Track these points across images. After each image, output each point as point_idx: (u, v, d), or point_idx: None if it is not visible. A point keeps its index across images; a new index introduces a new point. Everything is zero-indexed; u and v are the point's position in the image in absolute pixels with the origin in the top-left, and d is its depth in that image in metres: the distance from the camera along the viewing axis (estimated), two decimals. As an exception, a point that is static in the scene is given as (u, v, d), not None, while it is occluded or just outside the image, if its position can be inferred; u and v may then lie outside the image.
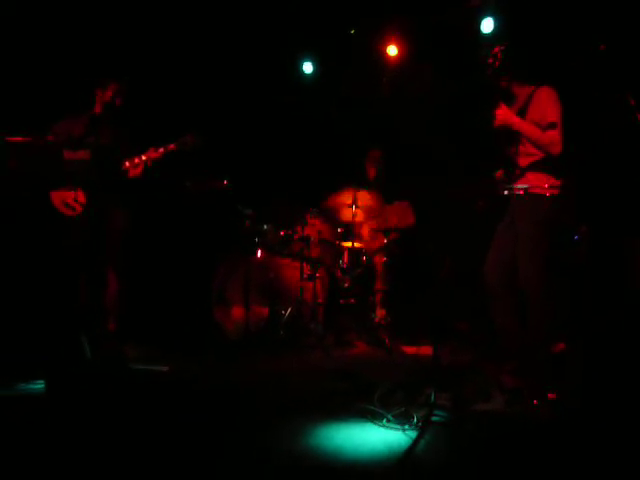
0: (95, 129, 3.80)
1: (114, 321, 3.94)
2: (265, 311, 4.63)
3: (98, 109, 3.95)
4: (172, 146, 3.89)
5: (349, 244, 4.81)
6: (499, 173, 3.44)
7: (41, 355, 3.31)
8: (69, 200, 3.73)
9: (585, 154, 4.14)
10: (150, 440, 2.38)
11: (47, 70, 4.50)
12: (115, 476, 2.04)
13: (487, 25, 5.10)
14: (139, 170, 3.90)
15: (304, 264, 4.66)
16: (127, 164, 3.85)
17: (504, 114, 3.15)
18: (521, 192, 3.21)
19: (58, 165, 3.40)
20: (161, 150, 3.87)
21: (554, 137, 3.09)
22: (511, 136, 3.27)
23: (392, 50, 5.59)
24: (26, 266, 4.22)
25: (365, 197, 4.75)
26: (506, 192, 3.28)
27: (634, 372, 3.10)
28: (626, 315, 3.64)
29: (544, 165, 3.18)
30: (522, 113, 3.19)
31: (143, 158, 3.85)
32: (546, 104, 3.14)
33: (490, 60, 3.22)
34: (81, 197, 3.71)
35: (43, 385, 3.01)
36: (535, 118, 3.13)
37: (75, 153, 3.72)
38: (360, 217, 4.86)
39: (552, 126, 3.08)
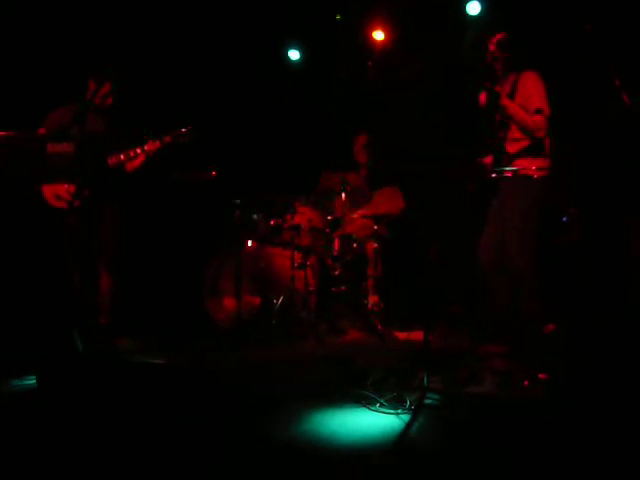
0: (81, 119, 3.76)
1: (106, 315, 3.93)
2: (257, 300, 4.64)
3: (89, 97, 3.89)
4: (167, 138, 3.86)
5: (339, 232, 4.81)
6: (487, 159, 3.48)
7: (32, 351, 3.30)
8: (61, 193, 3.69)
9: (576, 137, 4.16)
10: (144, 431, 2.38)
11: (37, 60, 4.45)
12: (110, 470, 2.04)
13: (473, 8, 5.07)
14: (137, 162, 3.88)
15: (295, 252, 4.65)
16: (122, 157, 3.81)
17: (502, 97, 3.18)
18: (509, 174, 3.26)
19: (41, 159, 3.36)
20: (157, 142, 3.84)
21: (540, 122, 3.20)
22: (500, 121, 3.30)
23: (378, 35, 5.55)
24: (17, 261, 4.20)
25: (353, 179, 4.75)
26: (495, 175, 3.32)
27: (625, 352, 3.15)
28: (618, 296, 3.68)
29: (531, 149, 3.26)
30: (510, 98, 3.23)
31: (138, 151, 3.82)
32: (532, 90, 3.23)
33: (492, 48, 3.25)
34: (73, 190, 3.67)
35: (35, 381, 3.00)
36: (522, 103, 3.18)
37: (58, 146, 3.67)
38: (349, 202, 4.86)
39: (538, 111, 3.19)
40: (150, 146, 3.83)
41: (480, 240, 3.49)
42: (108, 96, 3.92)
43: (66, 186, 3.68)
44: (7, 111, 3.93)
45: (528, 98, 3.21)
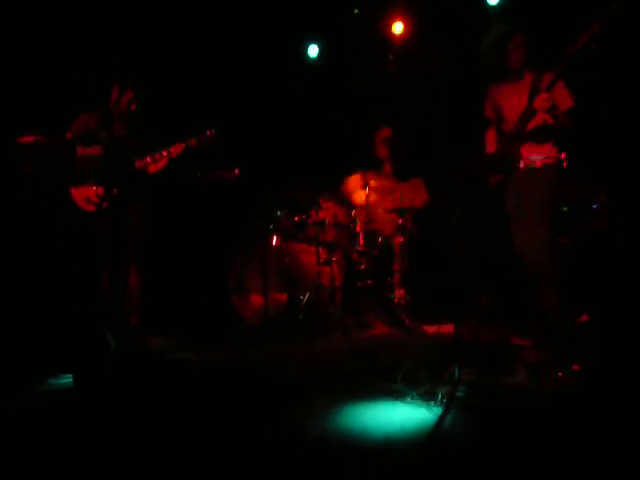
0: (108, 124, 3.82)
1: (136, 314, 3.99)
2: (283, 297, 4.66)
3: (112, 103, 3.95)
4: (192, 141, 3.90)
5: (364, 227, 4.79)
6: (492, 149, 3.51)
7: (68, 350, 3.37)
8: (91, 195, 3.75)
9: (605, 126, 4.10)
10: (179, 426, 2.41)
11: (61, 66, 4.53)
12: (144, 463, 2.08)
13: (493, -3, 5.02)
14: (160, 165, 3.93)
15: (320, 248, 4.65)
16: (148, 159, 3.87)
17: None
18: (536, 163, 3.25)
19: (70, 163, 3.42)
20: (182, 145, 3.89)
21: (571, 121, 3.22)
22: (525, 113, 3.28)
23: (398, 28, 5.52)
24: (50, 263, 4.28)
25: (376, 178, 4.74)
26: (520, 163, 3.29)
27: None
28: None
29: (554, 139, 3.25)
30: (531, 98, 3.21)
31: (164, 154, 3.87)
32: (566, 90, 3.24)
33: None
34: (102, 192, 3.73)
35: (71, 379, 3.07)
36: (559, 103, 3.18)
37: (87, 149, 3.74)
38: (373, 198, 4.85)
39: (571, 110, 3.23)
40: (175, 149, 3.88)
41: (515, 241, 3.44)
42: (132, 102, 3.97)
43: (94, 189, 3.74)
44: (33, 116, 4.02)
45: (564, 98, 3.23)
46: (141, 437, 2.31)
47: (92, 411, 2.66)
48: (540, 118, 3.25)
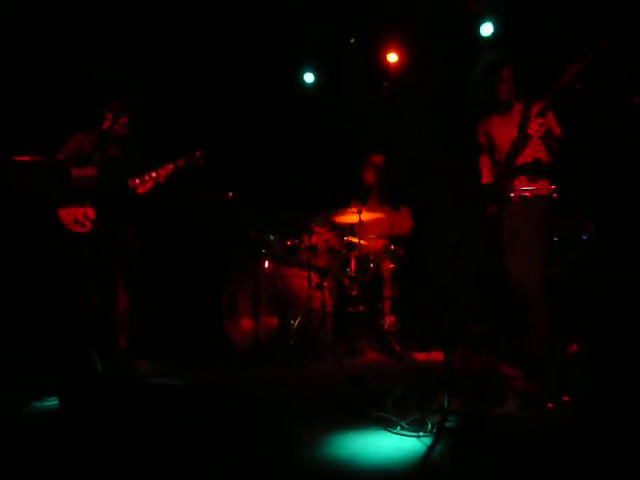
0: (103, 145, 3.83)
1: (125, 336, 3.95)
2: (274, 321, 4.63)
3: (107, 125, 3.97)
4: (181, 162, 3.92)
5: (356, 253, 4.80)
6: (487, 179, 3.56)
7: (53, 373, 3.33)
8: (79, 216, 3.74)
9: (593, 156, 4.17)
10: (164, 452, 2.38)
11: (55, 86, 4.56)
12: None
13: (486, 29, 5.13)
14: (148, 186, 3.93)
15: (312, 273, 4.65)
16: (137, 181, 3.87)
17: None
18: (525, 194, 3.30)
19: (66, 182, 3.42)
20: (170, 167, 3.90)
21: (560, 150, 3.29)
22: (517, 143, 3.34)
23: (392, 57, 5.61)
24: (37, 284, 4.25)
25: (369, 211, 4.77)
26: (512, 195, 3.34)
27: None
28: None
29: (544, 169, 3.31)
30: (523, 127, 3.27)
31: (153, 175, 3.87)
32: (555, 120, 3.29)
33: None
34: (90, 213, 3.73)
35: (56, 402, 3.03)
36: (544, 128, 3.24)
37: (83, 169, 3.74)
38: (364, 225, 4.87)
39: (560, 140, 3.29)
40: (163, 170, 3.89)
41: (510, 272, 3.47)
42: (125, 125, 3.99)
43: (82, 209, 3.73)
44: (28, 135, 4.03)
45: (553, 128, 3.28)
46: (123, 460, 2.27)
47: (77, 434, 2.62)
48: (530, 154, 3.32)
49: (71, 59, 4.65)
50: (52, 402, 3.10)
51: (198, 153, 3.95)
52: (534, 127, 3.15)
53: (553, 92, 3.09)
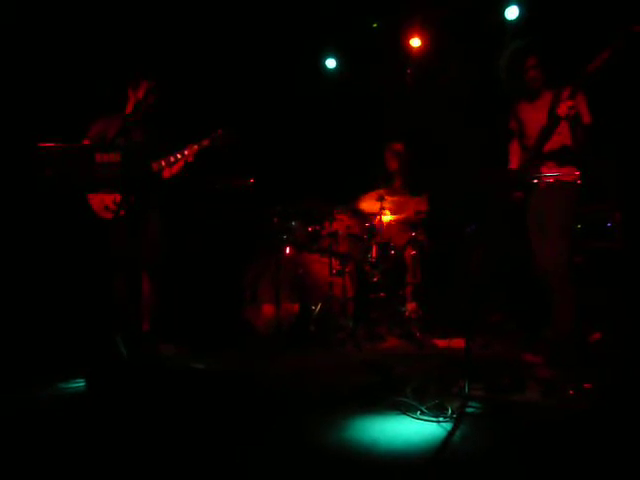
0: (126, 130, 3.86)
1: (149, 321, 4.01)
2: (295, 307, 4.66)
3: (130, 109, 4.00)
4: (206, 142, 3.92)
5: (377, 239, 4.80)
6: (514, 165, 3.53)
7: (80, 355, 3.41)
8: (109, 203, 3.79)
9: (620, 144, 4.10)
10: (188, 434, 2.42)
11: (78, 72, 4.60)
12: (156, 472, 2.09)
13: (512, 12, 5.04)
14: (175, 169, 3.95)
15: (333, 259, 4.66)
16: (163, 163, 3.89)
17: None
18: (551, 180, 3.27)
19: (90, 169, 3.46)
20: (195, 147, 3.90)
21: (587, 137, 3.26)
22: (545, 128, 3.30)
23: (415, 42, 5.55)
24: (64, 269, 4.33)
25: (389, 193, 4.75)
26: (536, 181, 3.31)
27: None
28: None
29: (571, 156, 3.29)
30: (552, 112, 3.23)
31: (179, 156, 3.89)
32: (586, 107, 3.27)
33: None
34: (120, 200, 3.76)
35: (83, 383, 3.10)
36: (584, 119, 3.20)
37: (106, 156, 3.78)
38: (387, 211, 4.86)
39: (588, 127, 3.27)
40: (189, 151, 3.90)
41: (536, 254, 3.45)
42: (149, 107, 4.00)
43: (113, 197, 3.78)
44: (52, 121, 4.08)
45: (583, 115, 3.25)
46: (149, 444, 2.32)
47: (102, 416, 2.68)
48: (558, 140, 3.28)
49: (93, 44, 4.68)
50: (77, 384, 3.17)
51: (220, 131, 3.95)
52: (563, 109, 3.11)
53: (584, 77, 3.04)
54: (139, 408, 2.71)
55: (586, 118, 3.25)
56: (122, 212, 3.57)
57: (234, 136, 3.96)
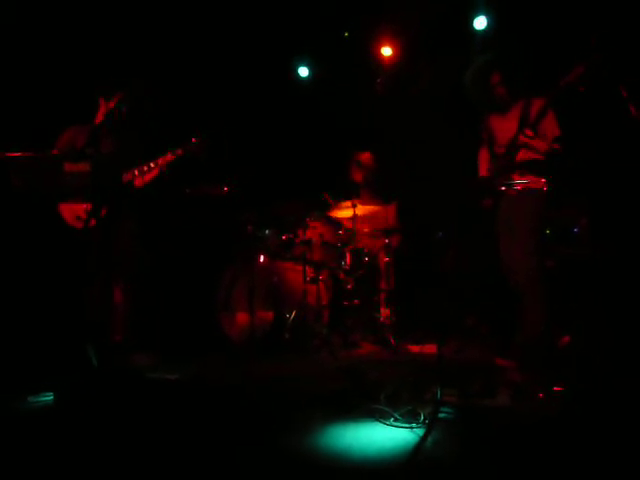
0: (96, 140, 3.83)
1: (121, 331, 3.96)
2: (270, 315, 4.65)
3: (100, 119, 3.97)
4: (180, 151, 3.91)
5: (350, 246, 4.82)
6: (484, 172, 3.59)
7: (49, 367, 3.34)
8: (80, 212, 3.75)
9: (585, 151, 4.20)
10: (158, 445, 2.40)
11: (49, 81, 4.54)
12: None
13: (480, 23, 5.13)
14: (148, 178, 3.92)
15: (307, 267, 4.67)
16: (136, 172, 3.86)
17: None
18: (519, 187, 3.33)
19: (59, 179, 3.42)
20: (169, 156, 3.89)
21: (559, 149, 3.37)
22: (517, 137, 3.38)
23: (386, 51, 5.61)
24: (33, 279, 4.25)
25: (363, 205, 4.79)
26: (503, 187, 3.38)
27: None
28: (631, 306, 3.66)
29: (538, 164, 3.36)
30: (524, 122, 3.30)
31: (152, 165, 3.87)
32: (554, 120, 3.38)
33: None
34: (90, 207, 3.71)
35: (52, 397, 3.04)
36: (548, 131, 3.27)
37: (75, 165, 3.74)
38: (359, 219, 4.89)
39: (558, 140, 3.38)
40: (163, 160, 3.88)
41: (502, 260, 3.52)
42: (121, 117, 3.97)
43: (85, 206, 3.74)
44: (20, 131, 4.02)
45: (553, 127, 3.36)
46: (118, 455, 2.29)
47: (72, 430, 2.63)
48: (527, 152, 3.37)
49: (64, 52, 4.63)
50: (47, 397, 3.11)
51: (194, 139, 3.94)
52: (528, 134, 3.21)
53: (556, 91, 3.12)
54: (109, 421, 2.67)
55: (556, 131, 3.34)
56: (93, 222, 3.54)
57: (208, 145, 3.96)
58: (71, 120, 4.02)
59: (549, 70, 3.25)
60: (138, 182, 3.93)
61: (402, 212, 4.99)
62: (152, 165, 3.87)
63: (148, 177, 3.93)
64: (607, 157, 4.09)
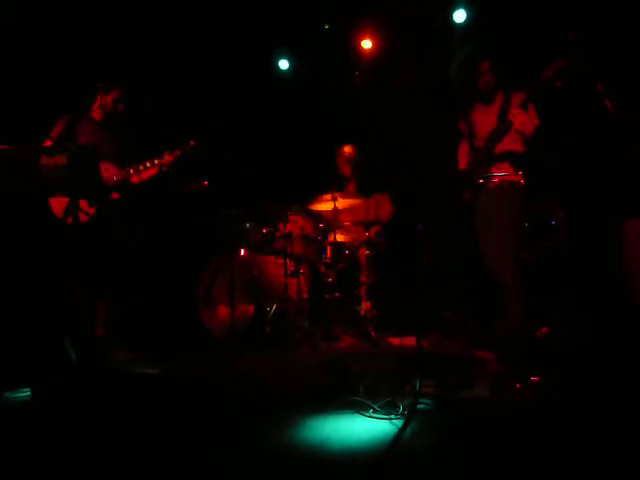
0: (73, 132, 3.78)
1: (101, 326, 3.93)
2: (250, 309, 4.64)
3: (95, 113, 3.93)
4: (178, 152, 3.91)
5: (331, 240, 4.83)
6: (464, 165, 3.62)
7: (27, 363, 3.30)
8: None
9: (562, 143, 4.24)
10: (136, 439, 2.39)
11: (45, 74, 4.47)
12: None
13: (459, 16, 5.15)
14: (146, 176, 3.91)
15: (287, 260, 4.67)
16: (131, 170, 3.84)
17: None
18: (497, 180, 3.36)
19: (35, 172, 3.36)
20: (170, 157, 3.88)
21: (542, 139, 3.35)
22: (497, 130, 3.40)
23: (367, 43, 5.61)
24: (12, 272, 4.19)
25: (345, 199, 4.79)
26: (482, 180, 3.40)
27: (615, 354, 3.18)
28: (607, 298, 3.72)
29: (516, 156, 3.38)
30: (504, 115, 3.32)
31: (148, 165, 3.85)
32: (534, 111, 3.36)
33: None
34: (83, 204, 3.67)
35: (29, 393, 3.01)
36: (526, 121, 3.28)
37: (52, 159, 3.68)
38: (340, 212, 4.90)
39: (539, 129, 3.36)
40: (161, 161, 3.87)
41: (484, 254, 3.54)
42: (116, 114, 3.94)
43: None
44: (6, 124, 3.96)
45: (532, 117, 3.35)
46: (100, 453, 2.28)
47: (50, 426, 2.61)
48: (506, 142, 3.38)
49: (52, 44, 4.56)
50: (24, 393, 3.08)
51: (192, 142, 3.94)
52: (520, 119, 3.22)
53: (537, 84, 3.15)
54: (87, 417, 2.65)
55: (535, 121, 3.36)
56: (69, 218, 3.49)
57: (205, 147, 3.97)
58: (63, 110, 3.95)
59: (530, 63, 3.27)
60: (134, 179, 3.90)
61: (382, 205, 5.00)
62: (148, 164, 3.86)
63: (145, 175, 3.91)
64: (584, 151, 4.15)
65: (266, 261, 4.90)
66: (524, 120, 3.23)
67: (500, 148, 3.42)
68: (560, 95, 3.62)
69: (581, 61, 3.00)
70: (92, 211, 3.71)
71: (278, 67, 5.93)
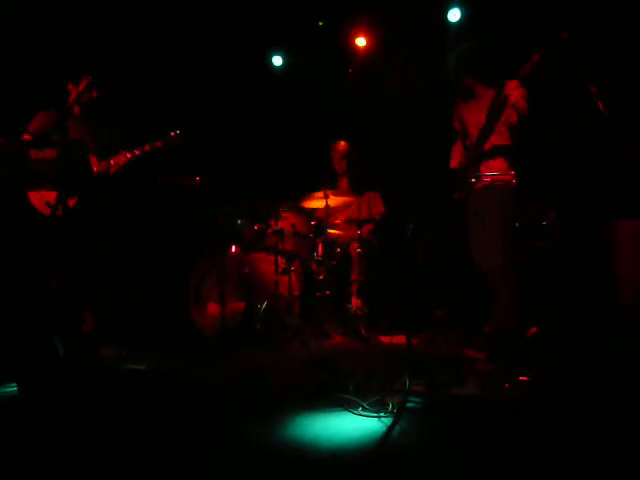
0: (63, 126, 3.74)
1: (89, 321, 3.90)
2: (241, 306, 4.62)
3: (75, 108, 3.89)
4: (159, 143, 3.87)
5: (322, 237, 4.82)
6: (455, 164, 3.62)
7: (13, 358, 3.26)
8: (51, 200, 3.66)
9: (554, 144, 4.26)
10: (125, 437, 2.37)
11: (20, 66, 4.43)
12: (92, 476, 2.04)
13: (454, 15, 5.15)
14: (122, 162, 3.87)
15: (279, 257, 4.65)
16: (112, 162, 3.81)
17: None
18: (488, 180, 3.36)
19: (24, 165, 3.34)
20: (147, 147, 3.85)
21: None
22: (483, 126, 3.40)
23: (360, 41, 5.60)
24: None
25: (336, 196, 4.78)
26: (473, 180, 3.40)
27: (604, 355, 3.20)
28: (598, 299, 3.74)
29: (507, 156, 3.38)
30: (493, 112, 3.32)
31: (128, 155, 3.82)
32: (524, 95, 3.33)
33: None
34: (58, 197, 3.64)
35: (15, 388, 2.98)
36: (523, 95, 3.29)
37: (42, 152, 3.65)
38: (332, 210, 4.88)
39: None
40: (140, 151, 3.84)
41: (474, 255, 3.54)
42: (90, 102, 3.90)
43: (56, 193, 3.66)
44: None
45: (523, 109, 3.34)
46: (87, 449, 2.26)
47: (36, 422, 2.59)
48: (496, 141, 3.38)
49: (35, 36, 4.52)
50: (11, 389, 3.05)
51: (173, 133, 3.91)
52: (515, 96, 3.22)
53: (517, 78, 3.15)
54: (74, 413, 2.62)
55: (522, 102, 3.35)
56: (61, 209, 3.47)
57: (186, 139, 3.93)
58: (40, 105, 3.92)
59: (522, 59, 3.27)
60: (112, 170, 3.87)
61: (374, 203, 5.00)
62: (129, 155, 3.83)
63: (121, 162, 3.87)
64: (577, 151, 4.16)
65: (257, 258, 4.88)
66: (521, 94, 3.23)
67: (488, 146, 3.41)
68: (551, 94, 3.63)
69: (556, 58, 3.01)
70: (72, 204, 3.68)
71: (272, 63, 5.90)
